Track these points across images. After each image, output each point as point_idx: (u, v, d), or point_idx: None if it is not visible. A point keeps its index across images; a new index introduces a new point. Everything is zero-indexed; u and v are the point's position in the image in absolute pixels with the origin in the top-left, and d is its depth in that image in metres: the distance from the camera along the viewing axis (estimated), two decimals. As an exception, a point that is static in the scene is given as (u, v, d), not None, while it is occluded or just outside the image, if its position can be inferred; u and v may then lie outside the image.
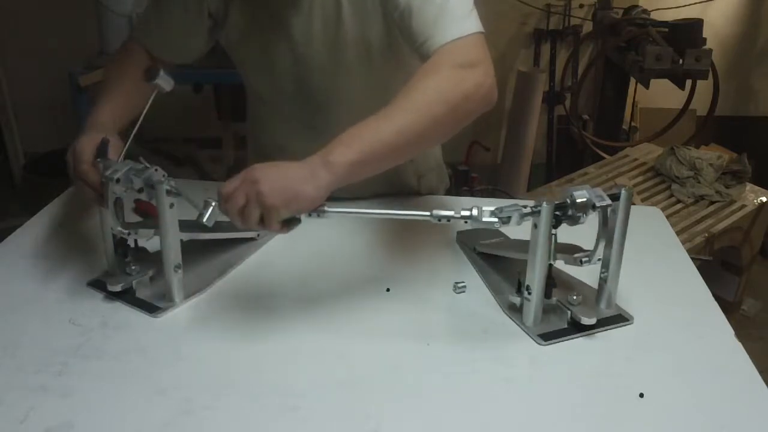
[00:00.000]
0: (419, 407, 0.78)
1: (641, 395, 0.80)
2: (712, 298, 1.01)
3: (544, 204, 0.83)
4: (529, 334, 0.90)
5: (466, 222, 0.84)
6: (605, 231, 0.88)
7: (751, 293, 2.56)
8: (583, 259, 0.89)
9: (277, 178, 0.81)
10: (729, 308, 2.31)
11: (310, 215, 0.84)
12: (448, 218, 0.84)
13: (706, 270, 1.20)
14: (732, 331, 0.93)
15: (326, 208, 0.83)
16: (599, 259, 0.90)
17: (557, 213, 0.85)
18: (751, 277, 2.41)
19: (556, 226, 0.85)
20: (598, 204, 0.85)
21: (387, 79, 1.10)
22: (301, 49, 1.10)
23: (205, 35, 1.14)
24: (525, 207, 0.84)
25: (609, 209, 0.87)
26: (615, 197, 0.87)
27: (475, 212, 0.84)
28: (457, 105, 0.88)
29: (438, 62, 0.91)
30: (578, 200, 0.84)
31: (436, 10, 0.93)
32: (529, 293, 0.89)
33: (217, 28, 1.14)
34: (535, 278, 0.87)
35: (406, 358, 0.86)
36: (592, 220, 0.87)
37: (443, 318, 0.94)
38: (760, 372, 0.84)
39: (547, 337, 0.89)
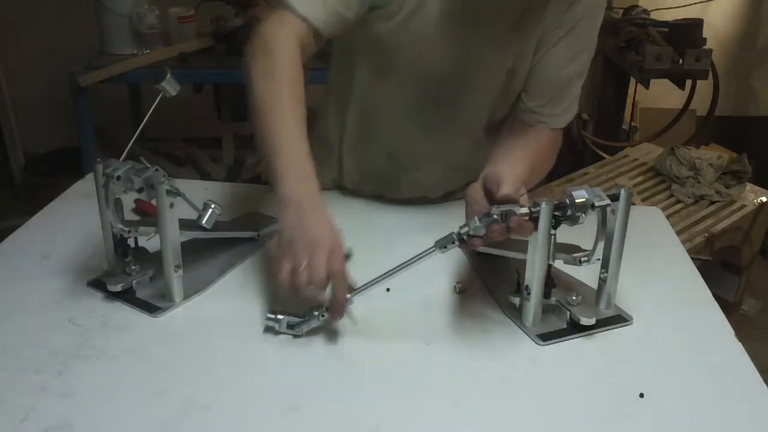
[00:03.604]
0: (419, 407, 0.78)
1: (641, 395, 0.80)
2: (712, 298, 1.01)
3: (543, 204, 0.83)
4: (528, 335, 0.90)
5: (467, 238, 0.84)
6: (604, 230, 0.88)
7: (751, 293, 2.55)
8: (582, 259, 0.89)
9: None
10: (729, 308, 2.31)
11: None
12: (453, 241, 0.84)
13: (706, 270, 1.20)
14: (732, 331, 0.93)
15: (348, 296, 0.86)
16: (598, 259, 0.90)
17: (556, 213, 0.85)
18: (751, 277, 2.41)
19: (555, 227, 0.85)
20: (597, 203, 0.85)
21: (501, 101, 1.16)
22: (462, 58, 1.09)
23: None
24: (523, 207, 0.84)
25: (608, 209, 0.87)
26: (614, 197, 0.87)
27: (475, 222, 0.83)
28: None
29: (558, 142, 1.16)
30: (577, 200, 0.84)
31: (570, 100, 1.13)
32: (528, 293, 0.89)
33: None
34: (534, 278, 0.87)
35: (406, 358, 0.86)
36: (592, 221, 0.87)
37: (443, 318, 0.94)
38: (760, 372, 0.84)
39: (546, 337, 0.89)
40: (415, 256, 0.86)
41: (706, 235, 1.99)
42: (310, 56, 1.02)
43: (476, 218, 0.83)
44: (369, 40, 1.10)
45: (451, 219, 0.99)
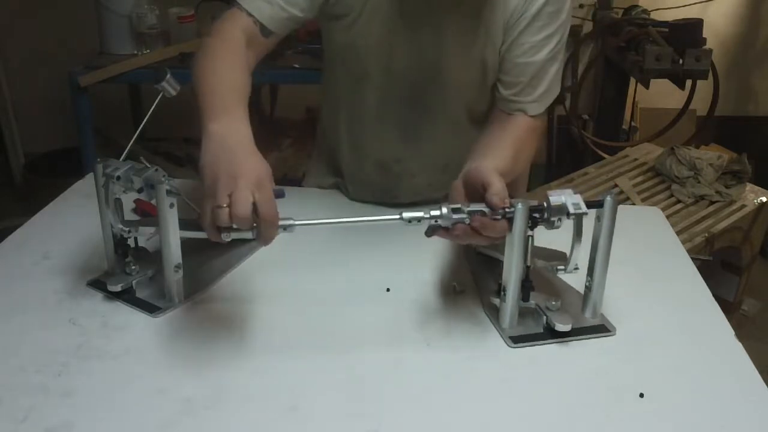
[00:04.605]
0: (419, 407, 0.78)
1: (641, 395, 0.80)
2: (712, 298, 1.01)
3: (519, 205, 0.82)
4: (501, 336, 0.90)
5: (436, 221, 0.82)
6: (579, 239, 0.87)
7: (751, 293, 2.55)
8: (559, 268, 0.88)
9: None
10: (729, 308, 2.31)
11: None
12: (419, 219, 0.82)
13: (706, 270, 1.20)
14: (732, 331, 0.93)
15: (294, 222, 0.81)
16: (576, 268, 0.88)
17: (534, 215, 0.84)
18: (751, 277, 2.41)
19: (532, 228, 0.85)
20: (572, 211, 0.84)
21: (478, 95, 1.16)
22: (430, 55, 1.09)
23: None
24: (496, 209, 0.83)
25: (586, 216, 0.85)
26: (599, 204, 0.86)
27: (444, 210, 0.82)
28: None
29: (538, 127, 1.14)
30: (553, 204, 0.84)
31: (546, 84, 1.10)
32: (505, 295, 0.89)
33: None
34: (510, 280, 0.87)
35: (406, 358, 0.86)
36: (588, 227, 0.87)
37: (443, 318, 0.94)
38: (760, 372, 0.84)
39: (518, 340, 0.88)
40: (377, 218, 0.85)
41: (706, 235, 1.99)
42: (265, 51, 1.05)
43: (450, 209, 0.82)
44: (339, 47, 1.12)
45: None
